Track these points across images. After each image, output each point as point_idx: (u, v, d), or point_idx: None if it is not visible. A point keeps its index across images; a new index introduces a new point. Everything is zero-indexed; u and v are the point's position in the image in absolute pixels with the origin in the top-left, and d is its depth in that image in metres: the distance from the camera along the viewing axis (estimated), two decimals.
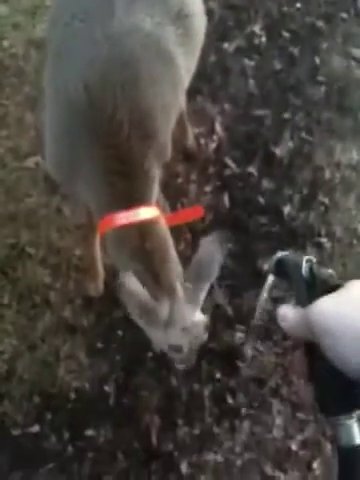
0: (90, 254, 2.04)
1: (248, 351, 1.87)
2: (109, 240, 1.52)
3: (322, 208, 2.24)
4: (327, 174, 2.32)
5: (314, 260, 0.72)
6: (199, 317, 1.43)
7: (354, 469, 0.66)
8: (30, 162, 2.30)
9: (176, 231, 2.13)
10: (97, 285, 2.05)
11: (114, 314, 2.03)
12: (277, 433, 1.82)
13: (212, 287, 2.06)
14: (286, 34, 2.71)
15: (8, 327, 2.00)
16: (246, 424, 1.83)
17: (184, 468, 1.77)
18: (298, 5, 2.81)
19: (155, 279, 1.40)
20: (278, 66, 2.61)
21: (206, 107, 2.48)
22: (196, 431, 1.83)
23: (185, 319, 1.39)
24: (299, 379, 1.85)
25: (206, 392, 1.88)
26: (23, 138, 2.35)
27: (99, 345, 1.98)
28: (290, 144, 2.39)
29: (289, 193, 2.27)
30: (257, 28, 2.73)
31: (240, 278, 2.08)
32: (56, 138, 1.55)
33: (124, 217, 1.44)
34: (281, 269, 0.76)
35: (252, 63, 2.62)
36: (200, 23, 1.74)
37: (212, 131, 2.42)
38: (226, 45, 2.67)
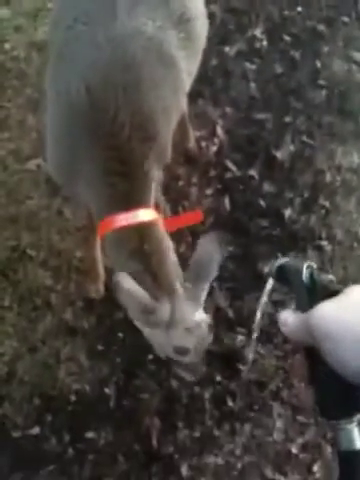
0: (91, 256, 2.04)
1: (249, 354, 1.87)
2: (108, 242, 1.52)
3: (323, 211, 2.24)
4: (328, 177, 2.32)
5: (314, 266, 0.74)
6: (201, 317, 1.42)
7: (355, 473, 0.66)
8: (31, 164, 2.30)
9: (177, 234, 2.14)
10: (98, 287, 2.05)
11: (115, 316, 2.03)
12: (277, 436, 1.82)
13: (213, 289, 2.07)
14: (287, 38, 2.72)
15: (9, 329, 2.00)
16: (247, 427, 1.83)
17: (184, 471, 1.77)
18: (299, 9, 2.82)
19: (154, 279, 1.40)
20: (279, 70, 2.62)
21: (207, 110, 2.49)
22: (196, 434, 1.83)
23: (187, 319, 1.39)
24: (300, 382, 1.85)
25: (207, 395, 1.88)
26: (25, 140, 2.36)
27: (100, 347, 1.98)
28: (291, 147, 2.39)
29: (290, 196, 2.28)
30: (258, 32, 2.74)
31: (241, 281, 2.09)
32: (57, 139, 1.55)
33: (123, 219, 1.45)
34: (282, 275, 0.77)
35: (253, 67, 2.63)
36: (202, 27, 1.75)
37: (213, 134, 2.43)
38: (227, 49, 2.68)
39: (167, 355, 1.47)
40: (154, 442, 1.81)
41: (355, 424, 0.67)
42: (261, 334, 0.83)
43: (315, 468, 1.76)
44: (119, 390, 1.90)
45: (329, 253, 2.13)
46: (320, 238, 2.17)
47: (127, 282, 1.37)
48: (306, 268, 0.72)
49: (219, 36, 2.71)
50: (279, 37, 2.72)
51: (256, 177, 2.33)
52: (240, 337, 1.95)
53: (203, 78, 2.50)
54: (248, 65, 2.64)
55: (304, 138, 2.43)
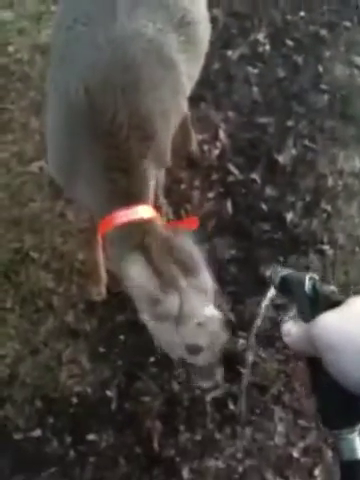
0: (93, 259, 2.04)
1: (249, 358, 1.87)
2: (109, 239, 1.51)
3: (325, 215, 2.25)
4: (330, 182, 2.33)
5: (317, 277, 0.75)
6: (212, 312, 1.39)
7: None
8: (34, 167, 2.31)
9: None
10: (100, 290, 2.05)
11: (116, 319, 2.03)
12: (279, 440, 1.82)
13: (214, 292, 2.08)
14: (290, 42, 2.73)
15: (11, 331, 2.00)
16: (248, 430, 1.83)
17: (186, 474, 1.77)
18: (302, 14, 2.83)
19: (157, 274, 1.37)
20: (282, 74, 2.63)
21: (210, 114, 2.50)
22: (198, 437, 1.83)
23: (197, 313, 1.34)
24: (301, 386, 1.85)
25: (208, 398, 1.88)
26: (28, 143, 2.37)
27: (101, 350, 1.98)
28: (293, 151, 2.40)
29: (292, 200, 2.28)
30: (261, 36, 2.75)
31: (242, 285, 2.09)
32: (57, 139, 1.56)
33: (124, 215, 1.45)
34: (284, 286, 0.78)
35: (256, 71, 2.64)
36: (204, 31, 1.75)
37: (215, 138, 2.43)
38: (230, 53, 2.69)
39: (179, 356, 1.44)
40: (155, 445, 1.81)
41: (357, 434, 0.67)
42: (262, 338, 0.83)
43: (316, 472, 1.76)
44: (120, 393, 1.91)
45: (331, 257, 2.14)
46: (322, 242, 2.18)
47: (136, 271, 1.34)
48: (308, 279, 0.73)
49: (222, 40, 2.72)
50: (282, 41, 2.73)
51: (258, 181, 2.33)
52: (241, 341, 1.95)
53: (205, 82, 2.51)
54: (250, 69, 2.65)
55: (306, 142, 2.43)
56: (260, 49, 2.71)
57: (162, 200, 2.00)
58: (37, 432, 1.85)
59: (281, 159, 2.37)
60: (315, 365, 0.68)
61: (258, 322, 0.84)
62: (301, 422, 1.83)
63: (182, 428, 1.84)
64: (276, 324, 1.94)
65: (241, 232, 2.21)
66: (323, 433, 1.80)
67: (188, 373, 1.49)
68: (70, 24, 1.53)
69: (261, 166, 2.36)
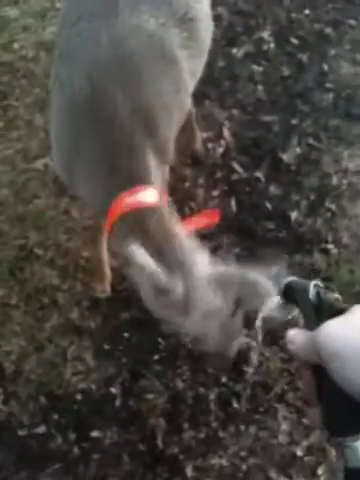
0: (97, 256, 2.05)
1: (254, 357, 1.88)
2: (114, 231, 1.45)
3: (329, 214, 2.25)
4: (334, 180, 2.33)
5: (321, 285, 0.75)
6: (222, 301, 1.30)
7: None
8: (39, 164, 2.31)
9: None
10: (104, 287, 2.06)
11: (121, 316, 2.04)
12: (282, 438, 1.82)
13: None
14: (294, 40, 2.73)
15: (16, 328, 2.01)
16: (252, 429, 1.83)
17: (189, 472, 1.77)
18: (306, 12, 2.83)
19: (160, 258, 1.30)
20: (286, 72, 2.62)
21: (214, 112, 2.50)
22: (201, 435, 1.84)
23: (205, 300, 1.29)
24: (306, 395, 1.85)
25: (212, 396, 1.89)
26: (32, 140, 2.37)
27: (106, 347, 1.98)
28: (298, 150, 2.40)
29: (296, 199, 2.28)
30: (266, 34, 2.75)
31: None
32: (61, 136, 1.57)
33: (127, 202, 1.40)
34: (289, 293, 0.79)
35: (260, 69, 2.64)
36: (206, 28, 1.76)
37: (220, 136, 2.43)
38: (235, 51, 2.69)
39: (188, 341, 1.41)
40: (159, 443, 1.82)
41: None
42: (266, 336, 0.83)
43: (320, 471, 1.77)
44: (125, 390, 1.91)
45: (335, 256, 2.14)
46: (326, 241, 2.18)
47: (140, 256, 1.27)
48: (313, 287, 0.74)
49: (226, 38, 2.72)
50: (286, 40, 2.73)
51: (262, 179, 2.33)
52: (246, 339, 1.95)
53: (210, 80, 2.51)
54: (255, 67, 2.64)
55: (311, 141, 2.43)
56: (265, 47, 2.71)
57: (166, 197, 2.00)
58: (41, 428, 1.86)
59: (285, 158, 2.37)
60: (320, 373, 0.68)
61: (259, 338, 0.85)
62: (305, 421, 1.83)
63: (186, 426, 1.84)
64: (280, 323, 1.95)
65: (245, 231, 2.21)
66: (326, 433, 1.80)
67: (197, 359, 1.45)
68: (74, 21, 1.55)
69: (265, 164, 2.36)
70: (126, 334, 2.00)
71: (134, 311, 2.04)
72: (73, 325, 2.01)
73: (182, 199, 2.25)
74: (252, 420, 1.85)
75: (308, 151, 2.40)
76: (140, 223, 1.39)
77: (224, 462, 1.79)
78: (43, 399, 1.89)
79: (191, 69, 1.66)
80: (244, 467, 1.78)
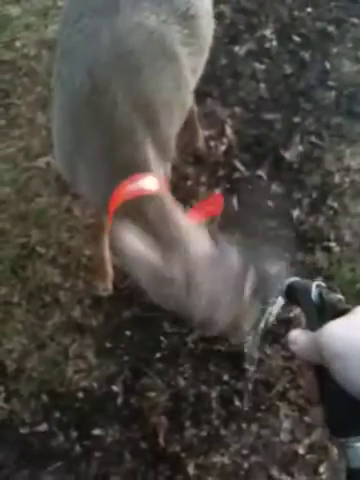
0: (100, 254, 2.05)
1: (255, 355, 1.87)
2: (114, 223, 1.41)
3: (331, 212, 2.24)
4: (336, 179, 2.32)
5: (323, 285, 0.75)
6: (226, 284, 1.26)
7: None
8: (41, 162, 2.31)
9: None
10: (106, 285, 2.06)
11: (123, 314, 2.04)
12: (284, 436, 1.82)
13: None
14: (297, 38, 2.73)
15: (18, 326, 2.01)
16: (253, 427, 1.83)
17: (191, 470, 1.77)
18: (309, 10, 2.82)
19: (160, 243, 1.27)
20: (289, 70, 2.62)
21: (216, 110, 2.50)
22: (203, 433, 1.84)
23: (207, 283, 1.24)
24: (307, 394, 1.85)
25: (214, 394, 1.89)
26: (34, 138, 2.37)
27: (108, 345, 1.99)
28: (300, 148, 2.39)
29: (298, 197, 2.28)
30: (268, 32, 2.75)
31: None
32: (63, 133, 1.57)
33: (127, 190, 1.38)
34: (291, 294, 0.79)
35: (263, 67, 2.64)
36: (207, 25, 1.76)
37: (222, 134, 2.43)
38: (237, 48, 2.69)
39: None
40: (161, 441, 1.82)
41: None
42: (268, 334, 0.83)
43: (321, 469, 1.76)
44: (126, 388, 1.91)
45: (337, 254, 2.14)
46: (328, 239, 2.17)
47: (133, 246, 1.23)
48: (315, 287, 0.74)
49: (229, 36, 2.72)
50: (289, 38, 2.73)
51: (264, 177, 2.33)
52: (248, 337, 1.95)
53: (212, 78, 2.51)
54: (257, 65, 2.64)
55: (313, 139, 2.43)
56: (267, 45, 2.70)
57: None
58: (43, 426, 1.86)
59: (287, 156, 2.37)
60: (322, 373, 0.68)
61: (257, 341, 0.85)
62: (307, 419, 1.83)
63: (188, 424, 1.84)
64: (281, 321, 1.94)
65: (246, 229, 2.20)
66: (328, 432, 1.80)
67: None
68: (76, 18, 1.55)
69: (267, 163, 2.36)
70: (128, 332, 2.00)
71: (136, 309, 2.04)
72: (75, 323, 2.01)
73: (184, 197, 2.23)
74: (254, 418, 1.85)
75: (310, 149, 2.40)
76: (140, 210, 1.37)
77: (226, 460, 1.79)
78: (45, 397, 1.89)
79: (192, 66, 1.66)
80: (246, 465, 1.78)
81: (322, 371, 0.68)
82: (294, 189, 2.30)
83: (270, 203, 2.26)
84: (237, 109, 2.50)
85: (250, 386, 1.80)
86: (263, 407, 1.86)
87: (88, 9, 1.54)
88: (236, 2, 2.82)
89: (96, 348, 1.97)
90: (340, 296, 0.74)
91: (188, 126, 1.92)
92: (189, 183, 2.31)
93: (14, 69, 2.59)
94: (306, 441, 1.80)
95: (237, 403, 1.87)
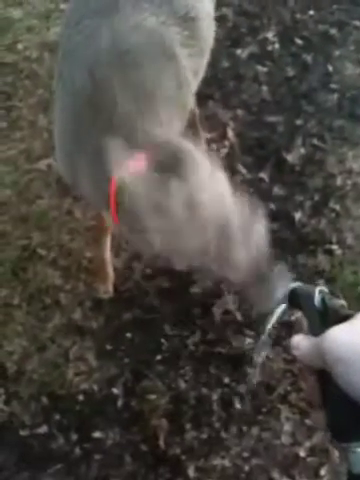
0: (101, 256, 2.05)
1: (257, 359, 1.87)
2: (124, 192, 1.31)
3: (333, 215, 2.24)
4: (339, 181, 2.32)
5: (326, 291, 0.75)
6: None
7: None
8: (42, 164, 2.31)
9: None
10: (107, 287, 2.05)
11: (123, 317, 2.03)
12: (285, 439, 1.81)
13: (221, 292, 2.07)
14: (299, 41, 2.73)
15: (18, 328, 2.01)
16: (254, 430, 1.82)
17: (191, 472, 1.77)
18: (311, 12, 2.82)
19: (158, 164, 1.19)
20: (291, 73, 2.62)
21: (218, 113, 2.49)
22: (204, 435, 1.83)
23: (212, 207, 1.15)
24: (309, 397, 1.85)
25: (214, 397, 1.88)
26: (36, 140, 2.37)
27: (108, 347, 1.98)
28: (302, 151, 2.39)
29: (300, 199, 2.27)
30: (270, 35, 2.75)
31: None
32: (63, 129, 1.57)
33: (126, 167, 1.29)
34: (294, 299, 0.79)
35: (265, 69, 2.63)
36: (208, 28, 1.76)
37: (224, 136, 2.43)
38: (239, 51, 2.69)
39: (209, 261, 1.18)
40: (161, 443, 1.81)
41: None
42: (270, 337, 0.83)
43: (322, 472, 1.75)
44: (127, 390, 1.90)
45: (339, 257, 2.13)
46: (330, 242, 2.17)
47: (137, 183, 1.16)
48: (318, 293, 0.74)
49: (231, 39, 2.72)
50: (291, 40, 2.72)
51: (266, 180, 2.32)
52: (248, 340, 1.95)
53: (214, 80, 2.52)
54: (260, 68, 2.64)
55: (315, 141, 2.42)
56: (269, 48, 2.70)
57: None
58: (43, 429, 1.85)
59: (290, 158, 2.37)
60: (325, 378, 0.68)
61: (263, 342, 0.85)
62: (308, 422, 1.82)
63: (188, 426, 1.84)
64: (283, 323, 1.93)
65: None
66: (330, 436, 1.79)
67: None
68: (77, 20, 1.57)
69: (269, 165, 2.35)
70: (128, 334, 2.00)
71: (137, 311, 2.04)
72: (75, 325, 2.01)
73: None
74: (255, 421, 1.84)
75: (312, 152, 2.39)
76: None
77: (226, 463, 1.78)
78: (45, 399, 1.89)
79: (193, 68, 1.66)
80: (246, 468, 1.77)
81: (324, 376, 0.68)
82: (296, 192, 2.29)
83: (272, 205, 2.26)
84: (239, 111, 2.50)
85: (253, 384, 1.79)
86: (264, 410, 1.86)
87: (89, 11, 1.56)
88: (238, 5, 2.82)
89: (96, 350, 1.97)
90: (343, 302, 0.74)
91: (190, 129, 1.91)
92: None
93: (16, 71, 2.59)
94: (307, 444, 1.79)
95: (238, 406, 1.86)
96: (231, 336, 1.97)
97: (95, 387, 1.91)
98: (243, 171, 2.34)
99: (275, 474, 1.76)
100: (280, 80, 2.59)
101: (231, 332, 1.98)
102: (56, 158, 1.68)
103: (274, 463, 1.78)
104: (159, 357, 1.95)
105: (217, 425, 1.84)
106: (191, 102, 1.78)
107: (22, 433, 1.85)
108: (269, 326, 0.81)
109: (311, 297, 0.74)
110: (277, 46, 2.71)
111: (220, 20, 2.71)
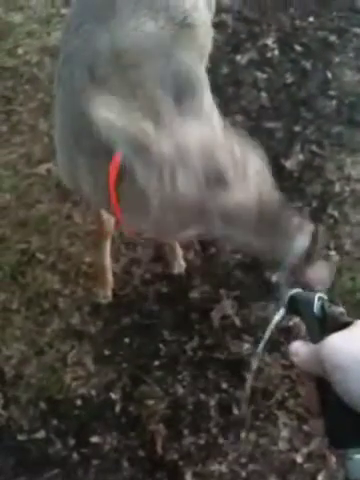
0: (100, 261, 2.05)
1: (255, 364, 1.87)
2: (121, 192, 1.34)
3: (331, 221, 2.24)
4: (337, 187, 2.33)
5: (325, 298, 0.75)
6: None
7: None
8: (42, 169, 2.32)
9: (185, 242, 2.15)
10: (106, 292, 2.06)
11: (122, 322, 2.04)
12: (282, 445, 1.82)
13: (220, 297, 2.08)
14: (298, 48, 2.74)
15: (16, 332, 2.01)
16: (252, 435, 1.83)
17: (189, 478, 1.77)
18: (311, 19, 2.83)
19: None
20: (290, 79, 2.63)
21: None
22: (201, 441, 1.83)
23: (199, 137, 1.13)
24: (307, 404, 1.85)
25: (212, 402, 1.88)
26: (36, 145, 2.38)
27: (106, 352, 1.98)
28: (300, 157, 2.40)
29: (299, 206, 2.28)
30: (270, 41, 2.76)
31: (248, 289, 2.09)
32: (64, 133, 1.57)
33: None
34: (293, 306, 0.79)
35: (264, 76, 2.64)
36: (205, 35, 1.77)
37: None
38: (239, 57, 2.70)
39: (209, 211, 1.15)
40: (159, 448, 1.81)
41: None
42: (267, 342, 0.83)
43: (319, 478, 1.75)
44: (125, 396, 1.91)
45: (337, 263, 2.13)
46: (328, 248, 2.17)
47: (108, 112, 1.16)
48: (317, 300, 0.74)
49: (230, 45, 2.73)
50: (290, 47, 2.74)
51: None
52: (247, 345, 1.96)
53: (214, 86, 2.50)
54: (259, 74, 2.65)
55: (313, 148, 2.43)
56: (269, 54, 2.71)
57: None
58: (41, 433, 1.85)
59: (288, 164, 2.37)
60: (323, 385, 0.68)
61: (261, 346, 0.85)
62: (305, 428, 1.82)
63: (186, 432, 1.84)
64: (281, 329, 1.93)
65: None
66: (327, 439, 1.79)
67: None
68: (77, 25, 1.59)
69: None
70: (127, 339, 2.00)
71: (135, 316, 2.04)
72: (74, 330, 2.01)
73: None
74: (252, 426, 1.84)
75: (311, 158, 2.40)
76: None
77: (224, 468, 1.78)
78: (43, 404, 1.89)
79: None
80: (244, 474, 1.78)
81: (323, 383, 0.68)
82: (294, 198, 2.30)
83: None
84: (238, 117, 2.50)
85: (248, 390, 1.80)
86: (262, 415, 1.86)
87: (89, 16, 1.58)
88: (238, 11, 2.83)
89: (95, 355, 1.97)
90: (342, 309, 0.74)
91: None
92: None
93: (16, 76, 2.60)
94: (304, 450, 1.80)
95: (235, 411, 1.86)
96: (229, 341, 1.98)
97: (93, 392, 1.91)
98: None
99: None
100: (279, 86, 2.60)
101: (229, 337, 1.99)
102: (57, 162, 1.69)
103: (271, 469, 1.78)
104: (157, 362, 1.95)
105: (214, 431, 1.84)
106: None
107: (20, 438, 1.85)
108: (268, 332, 0.82)
109: (310, 304, 0.74)
110: (276, 52, 2.72)
111: (220, 26, 2.73)
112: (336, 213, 2.26)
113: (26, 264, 2.12)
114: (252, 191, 1.14)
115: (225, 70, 2.64)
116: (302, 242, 1.08)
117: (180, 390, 1.90)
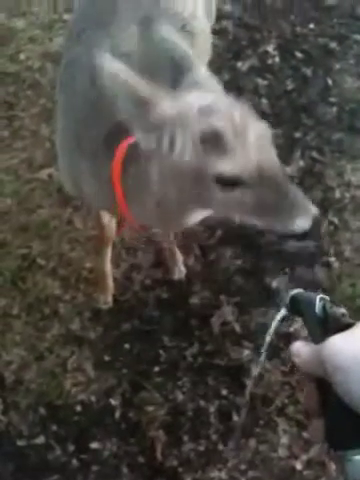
0: (101, 267, 2.05)
1: (255, 371, 1.87)
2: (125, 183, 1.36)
3: (331, 227, 2.25)
4: (337, 194, 2.33)
5: (327, 298, 0.75)
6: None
7: None
8: (43, 174, 2.33)
9: (185, 247, 2.15)
10: (107, 298, 2.06)
11: (122, 327, 2.04)
12: (282, 452, 1.82)
13: (220, 303, 2.08)
14: (299, 54, 2.75)
15: (16, 337, 2.01)
16: (251, 442, 1.83)
17: None
18: (311, 26, 2.84)
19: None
20: (291, 86, 2.64)
21: None
22: (201, 448, 1.83)
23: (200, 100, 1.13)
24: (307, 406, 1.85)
25: (212, 409, 1.88)
26: (37, 150, 2.38)
27: (106, 358, 1.98)
28: (301, 163, 2.40)
29: None
30: (270, 48, 2.77)
31: (248, 295, 2.09)
32: (65, 139, 1.58)
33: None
34: (294, 306, 0.78)
35: (265, 82, 2.65)
36: (204, 42, 1.78)
37: None
38: (239, 64, 2.71)
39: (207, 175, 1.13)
40: (158, 455, 1.81)
41: None
42: (268, 347, 0.83)
43: None
44: (125, 402, 1.91)
45: (337, 270, 2.14)
46: (328, 254, 2.18)
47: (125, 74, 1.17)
48: (319, 300, 0.74)
49: (231, 51, 2.74)
50: (291, 54, 2.75)
51: None
52: (247, 351, 1.96)
53: None
54: (260, 81, 2.66)
55: (314, 154, 2.44)
56: (269, 61, 2.72)
57: None
58: (40, 439, 1.85)
59: (289, 171, 2.38)
60: (323, 386, 0.68)
61: (265, 348, 0.85)
62: (305, 434, 1.82)
63: (186, 438, 1.84)
64: (281, 335, 1.93)
65: (247, 243, 2.21)
66: (326, 446, 1.79)
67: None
68: (79, 32, 1.60)
69: None
70: (127, 345, 2.00)
71: (135, 322, 2.04)
72: (74, 335, 2.01)
73: None
74: (252, 433, 1.84)
75: (311, 164, 2.41)
76: None
77: (223, 475, 1.78)
78: (43, 410, 1.89)
79: None
80: None
81: (324, 383, 0.68)
82: None
83: None
84: None
85: (248, 397, 1.80)
86: (261, 422, 1.86)
87: (90, 23, 1.59)
88: (239, 18, 2.84)
89: (95, 361, 1.97)
90: (344, 310, 0.73)
91: None
92: None
93: (18, 81, 2.61)
94: (304, 457, 1.80)
95: (235, 418, 1.86)
96: (229, 348, 1.98)
97: (93, 398, 1.91)
98: None
99: None
100: (280, 93, 2.61)
101: (229, 344, 1.99)
102: (58, 166, 1.69)
103: (271, 476, 1.78)
104: (157, 368, 1.95)
105: (214, 437, 1.84)
106: None
107: (19, 443, 1.85)
108: (269, 334, 0.81)
109: (312, 304, 0.74)
110: (277, 59, 2.73)
111: (220, 33, 2.74)
112: (336, 220, 2.26)
113: (27, 269, 2.13)
114: (252, 158, 1.12)
115: (226, 77, 2.64)
116: (303, 223, 1.08)
117: (180, 396, 1.90)
